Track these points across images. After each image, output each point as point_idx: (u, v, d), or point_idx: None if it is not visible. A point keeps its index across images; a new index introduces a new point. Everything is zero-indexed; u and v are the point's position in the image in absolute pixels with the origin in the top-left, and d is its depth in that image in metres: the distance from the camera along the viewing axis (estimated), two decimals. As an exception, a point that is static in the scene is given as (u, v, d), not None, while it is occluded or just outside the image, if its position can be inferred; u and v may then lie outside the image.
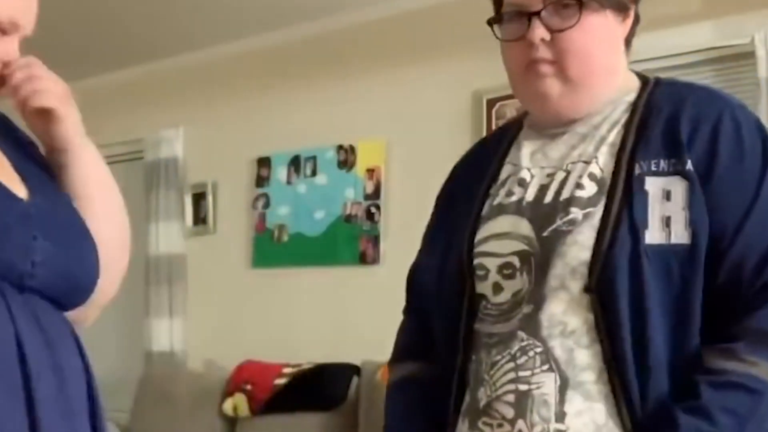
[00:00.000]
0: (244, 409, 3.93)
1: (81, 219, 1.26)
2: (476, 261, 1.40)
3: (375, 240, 3.99)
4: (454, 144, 3.83)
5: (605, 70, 1.40)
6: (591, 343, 1.28)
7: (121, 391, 4.58)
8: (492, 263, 1.38)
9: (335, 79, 4.20)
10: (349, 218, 4.08)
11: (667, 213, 1.28)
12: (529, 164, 1.43)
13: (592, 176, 1.34)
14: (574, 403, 1.27)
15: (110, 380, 4.90)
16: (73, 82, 5.31)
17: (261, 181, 4.43)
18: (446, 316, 1.45)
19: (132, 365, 4.65)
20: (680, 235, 1.26)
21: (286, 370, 3.90)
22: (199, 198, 4.64)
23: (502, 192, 1.43)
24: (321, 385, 3.77)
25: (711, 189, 1.28)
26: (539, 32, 1.35)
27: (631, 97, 1.41)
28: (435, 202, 1.69)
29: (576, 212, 1.31)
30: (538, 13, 1.35)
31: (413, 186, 3.91)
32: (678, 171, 1.29)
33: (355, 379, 3.72)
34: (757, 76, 3.15)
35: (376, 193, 4.02)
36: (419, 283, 1.66)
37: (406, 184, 3.94)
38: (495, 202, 1.43)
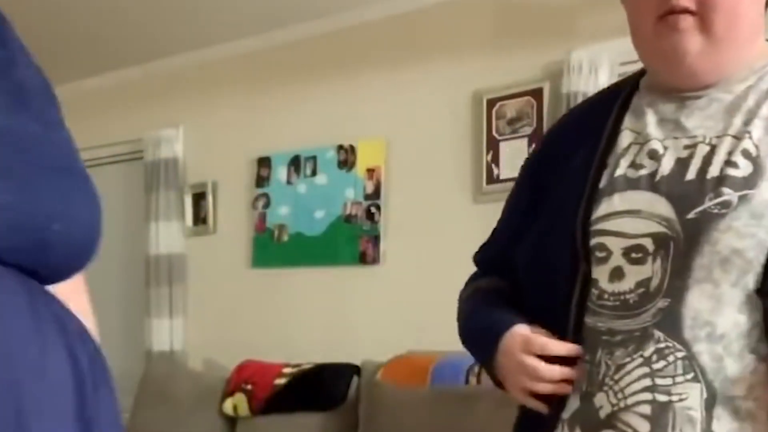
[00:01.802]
0: (244, 409, 3.92)
1: (70, 151, 0.87)
2: (595, 240, 1.21)
3: (375, 240, 3.99)
4: (454, 144, 3.85)
5: (750, 29, 1.23)
6: (742, 352, 1.12)
7: (122, 391, 4.56)
8: (616, 244, 1.19)
9: (335, 79, 4.20)
10: (349, 218, 4.08)
11: None
12: (659, 134, 1.24)
13: (746, 153, 1.16)
14: (723, 421, 1.11)
15: (110, 380, 4.91)
16: (74, 81, 5.34)
17: (261, 181, 4.43)
18: (546, 304, 1.25)
19: (132, 365, 4.65)
20: None
21: (286, 370, 3.90)
22: (199, 198, 4.64)
23: (624, 163, 1.24)
24: (321, 385, 3.77)
25: None
26: None
27: None
28: (521, 172, 1.46)
29: (730, 194, 1.13)
30: None
31: (413, 186, 3.91)
32: None
33: (355, 379, 3.72)
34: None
35: (376, 193, 4.01)
36: (492, 260, 1.45)
37: (406, 184, 3.94)
38: (617, 174, 1.23)
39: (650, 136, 1.24)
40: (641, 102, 1.30)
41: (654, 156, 1.22)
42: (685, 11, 1.19)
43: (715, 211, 1.13)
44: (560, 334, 1.22)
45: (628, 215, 1.19)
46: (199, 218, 4.65)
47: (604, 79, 3.31)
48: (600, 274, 1.20)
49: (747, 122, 1.19)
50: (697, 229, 1.13)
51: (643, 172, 1.21)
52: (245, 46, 4.51)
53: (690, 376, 1.12)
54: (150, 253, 4.63)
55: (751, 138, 1.17)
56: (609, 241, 1.20)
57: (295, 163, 4.31)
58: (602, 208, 1.22)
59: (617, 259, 1.19)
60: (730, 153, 1.17)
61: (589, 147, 1.28)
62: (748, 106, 1.20)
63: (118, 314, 4.96)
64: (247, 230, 4.46)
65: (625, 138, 1.27)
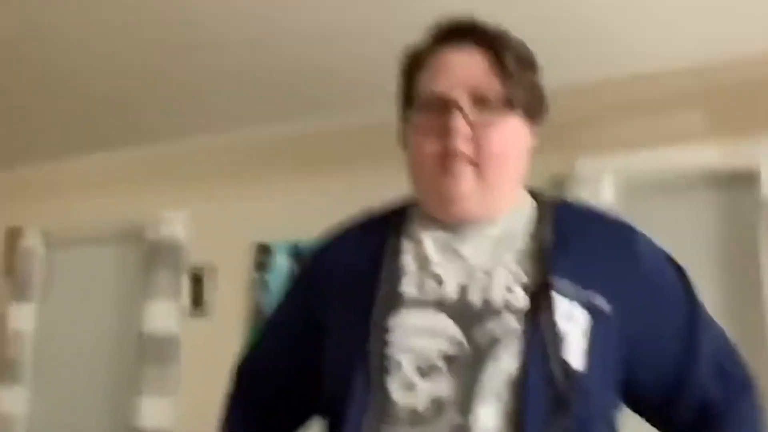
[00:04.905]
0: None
1: None
2: (387, 353, 1.25)
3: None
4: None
5: (516, 176, 1.39)
6: None
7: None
8: (407, 359, 1.24)
9: (337, 171, 4.23)
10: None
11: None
12: (439, 259, 1.33)
13: (519, 282, 1.27)
14: None
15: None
16: (78, 159, 5.36)
17: (260, 266, 4.43)
18: (341, 414, 1.25)
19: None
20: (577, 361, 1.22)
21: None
22: (197, 280, 4.63)
23: (408, 283, 1.32)
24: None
25: (644, 322, 1.30)
26: (462, 126, 1.30)
27: (534, 208, 1.40)
28: (293, 289, 1.57)
29: (511, 319, 1.23)
30: (461, 107, 1.31)
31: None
32: (585, 303, 1.25)
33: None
34: (760, 198, 3.15)
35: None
36: (267, 375, 1.51)
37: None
38: (405, 294, 1.30)
39: (430, 260, 1.33)
40: (416, 229, 1.40)
41: (437, 279, 1.30)
42: (464, 156, 1.30)
43: (499, 334, 1.22)
44: None
45: (418, 333, 1.25)
46: (196, 300, 4.62)
47: (607, 191, 3.32)
48: (392, 385, 1.23)
49: (517, 257, 1.31)
50: (484, 350, 1.21)
51: (429, 293, 1.29)
52: (248, 135, 4.56)
53: None
54: (144, 331, 4.59)
55: (521, 270, 1.28)
56: (400, 356, 1.24)
57: (295, 252, 4.30)
58: (390, 324, 1.26)
59: (408, 374, 1.23)
60: (506, 282, 1.27)
61: (372, 268, 1.35)
62: (516, 243, 1.33)
63: (106, 391, 4.90)
64: (245, 314, 4.43)
65: (406, 262, 1.35)
